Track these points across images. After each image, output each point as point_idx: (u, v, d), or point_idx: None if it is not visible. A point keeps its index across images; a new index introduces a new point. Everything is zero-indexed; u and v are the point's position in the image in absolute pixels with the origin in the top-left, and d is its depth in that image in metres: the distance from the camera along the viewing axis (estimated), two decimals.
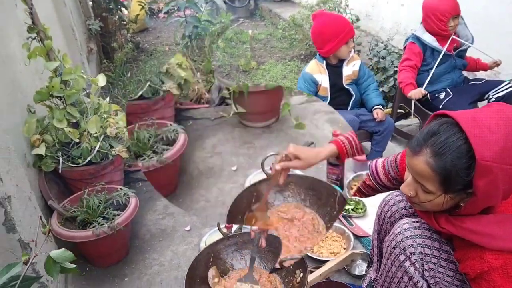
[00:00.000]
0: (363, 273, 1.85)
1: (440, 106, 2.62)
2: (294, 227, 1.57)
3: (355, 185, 2.13)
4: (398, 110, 3.06)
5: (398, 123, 3.16)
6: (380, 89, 3.64)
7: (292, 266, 1.60)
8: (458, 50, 2.67)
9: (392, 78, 3.43)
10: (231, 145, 2.66)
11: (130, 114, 2.38)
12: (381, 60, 3.66)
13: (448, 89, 2.69)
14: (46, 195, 2.08)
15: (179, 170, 2.35)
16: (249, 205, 1.64)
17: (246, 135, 2.73)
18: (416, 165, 1.13)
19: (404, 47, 2.76)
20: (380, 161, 1.54)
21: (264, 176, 1.73)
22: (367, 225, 2.14)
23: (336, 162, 2.09)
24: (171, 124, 2.24)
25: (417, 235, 1.30)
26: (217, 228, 1.85)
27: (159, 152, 2.07)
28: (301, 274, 1.61)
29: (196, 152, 2.61)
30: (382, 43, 4.04)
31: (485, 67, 2.77)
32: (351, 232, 2.07)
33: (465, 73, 2.83)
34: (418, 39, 2.65)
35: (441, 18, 2.47)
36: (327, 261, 1.88)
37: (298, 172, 2.02)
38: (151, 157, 1.99)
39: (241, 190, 1.96)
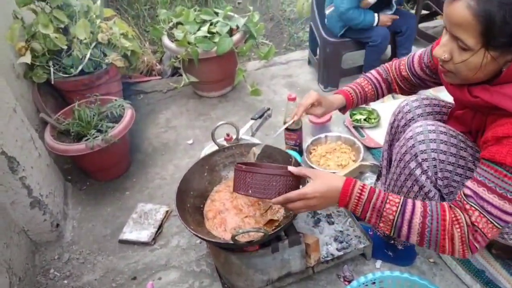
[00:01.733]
0: (372, 185, 1.74)
1: None
2: (241, 198, 1.49)
3: (314, 149, 2.06)
4: (423, 12, 2.86)
5: (422, 25, 2.95)
6: None
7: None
8: None
9: None
10: (186, 118, 2.52)
11: (70, 92, 2.19)
12: None
13: None
14: (40, 107, 2.06)
15: (130, 148, 2.21)
16: (201, 179, 1.55)
17: (202, 106, 2.60)
18: (454, 12, 0.95)
19: None
20: (420, 50, 1.41)
21: (216, 147, 1.62)
22: (380, 136, 2.02)
23: (292, 127, 2.01)
24: (116, 100, 2.07)
25: (431, 139, 1.16)
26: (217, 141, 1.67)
27: (104, 130, 1.91)
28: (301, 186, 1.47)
29: (149, 128, 2.46)
30: None
31: None
32: (362, 143, 2.01)
33: None
34: None
35: None
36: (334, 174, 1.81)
37: (253, 140, 1.94)
38: (96, 137, 1.84)
39: None
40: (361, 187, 1.08)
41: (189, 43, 2.29)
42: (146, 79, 2.87)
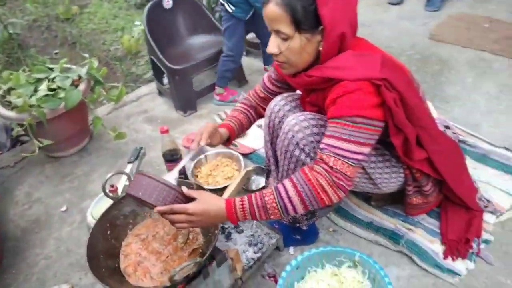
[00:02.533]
0: (260, 186, 1.97)
1: None
2: (154, 241, 1.48)
3: (198, 171, 2.12)
4: None
5: (248, 36, 3.18)
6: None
7: None
8: None
9: None
10: (48, 185, 2.28)
11: None
12: None
13: None
14: None
15: None
16: (106, 239, 1.46)
17: (62, 168, 2.39)
18: (268, 11, 1.24)
19: None
20: (265, 74, 1.69)
21: (109, 201, 1.55)
22: (249, 142, 2.30)
23: (172, 158, 2.04)
24: None
25: (304, 126, 1.38)
26: (99, 196, 1.70)
27: None
28: None
29: (8, 210, 2.15)
30: None
31: None
32: (238, 152, 2.18)
33: None
34: None
35: None
36: (225, 187, 1.89)
37: None
38: None
39: (82, 228, 1.75)
40: (240, 199, 1.26)
41: (31, 106, 2.08)
42: None
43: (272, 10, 1.22)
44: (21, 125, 2.10)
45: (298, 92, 1.64)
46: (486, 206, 1.73)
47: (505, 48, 2.71)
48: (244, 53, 3.16)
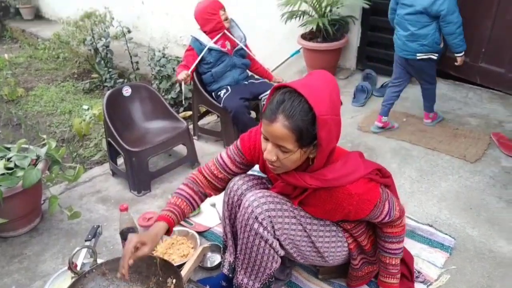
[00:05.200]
0: (216, 263, 2.04)
1: (221, 103, 3.10)
2: None
3: (154, 250, 2.18)
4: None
5: (199, 123, 3.48)
6: (169, 96, 4.00)
7: (162, 276, 1.63)
8: (236, 49, 3.17)
9: (177, 84, 3.71)
10: None
11: None
12: (162, 68, 3.90)
13: (228, 86, 3.14)
14: None
15: None
16: None
17: (11, 248, 2.32)
18: (275, 130, 1.35)
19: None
20: (223, 153, 1.75)
21: (66, 279, 1.58)
22: (204, 220, 2.42)
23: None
24: None
25: (262, 202, 1.55)
26: (57, 274, 1.84)
27: None
28: (174, 281, 1.62)
29: None
30: (159, 51, 4.22)
31: (270, 78, 3.41)
32: (194, 230, 2.27)
33: None
34: (196, 41, 3.06)
35: (213, 12, 2.99)
36: (182, 265, 1.92)
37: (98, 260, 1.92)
38: None
39: None
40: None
41: None
42: None
43: (280, 130, 1.34)
44: None
45: (257, 173, 1.84)
46: (417, 277, 1.98)
47: (420, 139, 3.20)
48: (196, 138, 3.40)
